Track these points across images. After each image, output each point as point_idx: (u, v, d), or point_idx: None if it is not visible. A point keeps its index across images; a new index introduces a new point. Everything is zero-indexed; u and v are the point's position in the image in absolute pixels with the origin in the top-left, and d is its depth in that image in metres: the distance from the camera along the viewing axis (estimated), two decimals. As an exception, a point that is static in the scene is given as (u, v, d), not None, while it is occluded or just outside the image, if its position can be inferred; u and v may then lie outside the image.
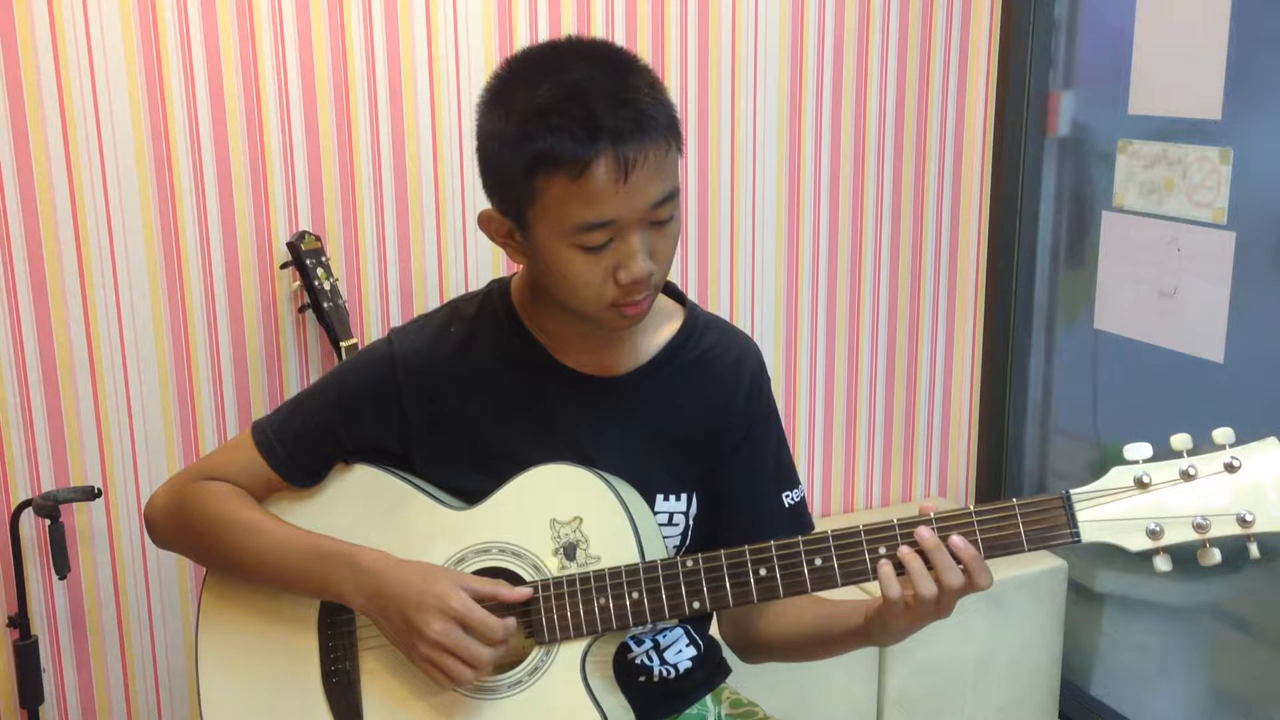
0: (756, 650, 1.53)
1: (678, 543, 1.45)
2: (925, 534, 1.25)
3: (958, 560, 1.24)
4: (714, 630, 1.59)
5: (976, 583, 1.25)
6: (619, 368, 1.43)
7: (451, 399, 1.42)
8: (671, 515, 1.43)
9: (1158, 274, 2.31)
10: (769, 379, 1.50)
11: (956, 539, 1.24)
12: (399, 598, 1.32)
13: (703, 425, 1.44)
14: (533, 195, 1.27)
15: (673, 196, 1.29)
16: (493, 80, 1.32)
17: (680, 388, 1.44)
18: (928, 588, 1.24)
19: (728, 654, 1.60)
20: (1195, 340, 2.24)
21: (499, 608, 1.33)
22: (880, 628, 1.32)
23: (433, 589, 1.31)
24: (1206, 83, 2.17)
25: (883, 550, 1.27)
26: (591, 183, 1.23)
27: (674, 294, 1.49)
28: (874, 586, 1.28)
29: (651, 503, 1.41)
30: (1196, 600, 2.40)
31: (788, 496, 1.48)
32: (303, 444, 1.45)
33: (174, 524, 1.49)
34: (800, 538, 1.29)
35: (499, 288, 1.47)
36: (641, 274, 1.28)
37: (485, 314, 1.45)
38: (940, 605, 1.26)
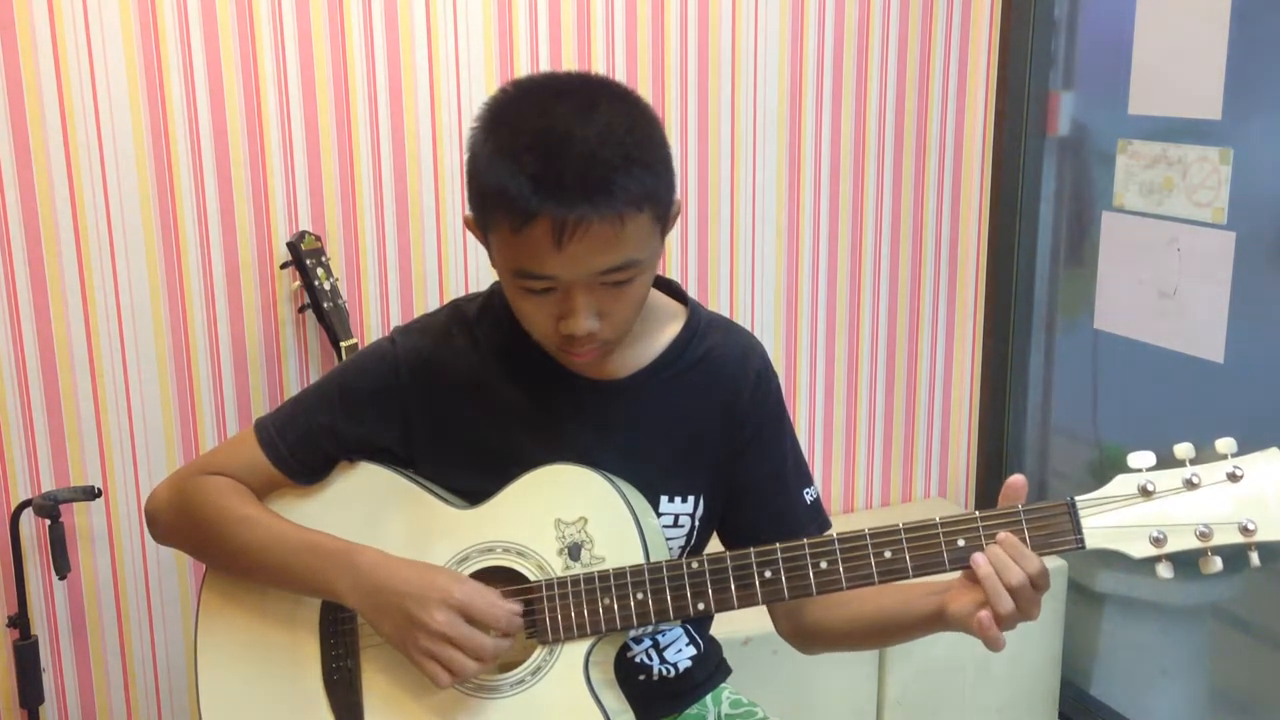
0: (816, 641, 1.49)
1: (683, 544, 1.45)
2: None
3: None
4: (713, 630, 1.59)
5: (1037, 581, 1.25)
6: (620, 371, 1.42)
7: (454, 400, 1.42)
8: (677, 517, 1.43)
9: (1158, 274, 2.31)
10: (775, 376, 1.49)
11: (1003, 535, 1.25)
12: (399, 593, 1.32)
13: (707, 426, 1.44)
14: (487, 226, 1.28)
15: (628, 267, 1.25)
16: (492, 99, 1.30)
17: (683, 389, 1.43)
18: (1005, 605, 1.23)
19: (727, 654, 1.60)
20: (1195, 340, 2.24)
21: (502, 600, 1.33)
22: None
23: (434, 582, 1.31)
24: (1206, 83, 2.17)
25: (888, 554, 1.26)
26: (527, 240, 1.22)
27: (676, 294, 1.48)
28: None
29: (656, 505, 1.41)
30: (1196, 600, 2.39)
31: (807, 493, 1.48)
32: (304, 443, 1.45)
33: (174, 518, 1.49)
34: (806, 540, 1.29)
35: (501, 289, 1.46)
36: (580, 333, 1.27)
37: (487, 315, 1.45)
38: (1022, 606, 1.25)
